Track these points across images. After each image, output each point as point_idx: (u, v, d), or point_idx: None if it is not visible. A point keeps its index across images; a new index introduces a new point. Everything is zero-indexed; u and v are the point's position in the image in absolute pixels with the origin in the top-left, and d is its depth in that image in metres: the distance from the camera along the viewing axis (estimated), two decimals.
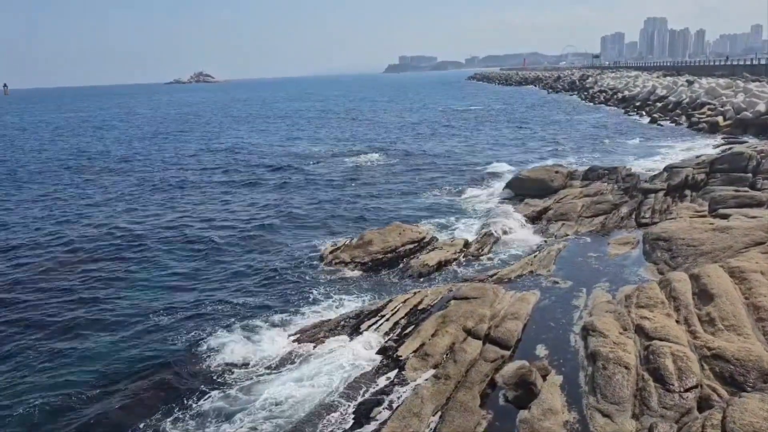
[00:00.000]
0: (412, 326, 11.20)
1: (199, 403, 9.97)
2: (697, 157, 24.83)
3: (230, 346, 11.89)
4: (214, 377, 10.79)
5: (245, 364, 11.17)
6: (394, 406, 8.68)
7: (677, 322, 9.55)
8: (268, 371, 10.83)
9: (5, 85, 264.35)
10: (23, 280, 16.61)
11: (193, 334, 12.64)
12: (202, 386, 10.47)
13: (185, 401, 10.06)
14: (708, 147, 33.63)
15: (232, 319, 13.28)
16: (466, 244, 17.37)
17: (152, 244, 19.51)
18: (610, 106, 68.33)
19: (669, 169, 21.94)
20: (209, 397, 10.15)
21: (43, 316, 14.13)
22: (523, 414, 8.15)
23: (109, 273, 16.96)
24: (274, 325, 12.87)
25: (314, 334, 11.95)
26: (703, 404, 7.71)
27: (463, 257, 16.57)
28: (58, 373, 11.41)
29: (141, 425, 9.49)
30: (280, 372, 10.70)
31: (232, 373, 10.88)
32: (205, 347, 11.98)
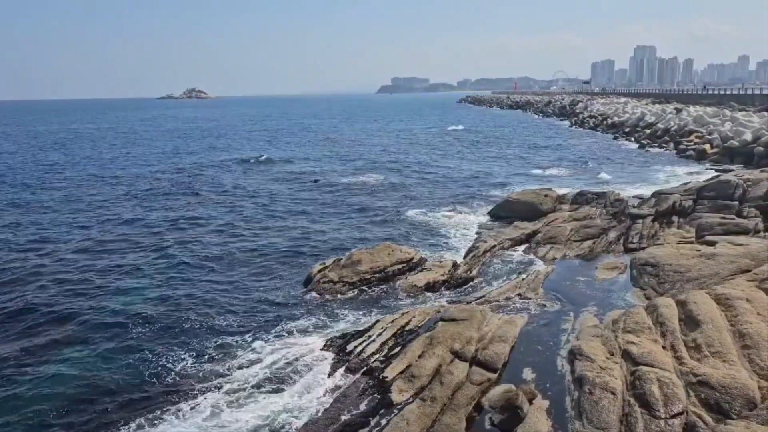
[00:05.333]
0: (399, 347, 11.13)
1: (177, 424, 9.80)
2: (685, 183, 25.09)
3: (213, 366, 11.76)
4: (196, 397, 10.63)
5: (228, 384, 11.02)
6: (380, 427, 8.59)
7: (664, 347, 9.56)
8: (251, 392, 10.68)
9: None
10: (6, 290, 16.44)
11: (175, 353, 12.47)
12: (182, 406, 10.31)
13: (162, 421, 9.90)
14: (695, 174, 34.05)
15: (216, 338, 13.15)
16: (455, 266, 17.37)
17: (137, 264, 19.28)
18: (599, 131, 69.07)
19: (657, 195, 22.15)
20: (189, 416, 9.99)
21: (21, 327, 13.95)
22: None
23: (95, 288, 16.77)
24: (258, 344, 12.74)
25: (300, 354, 11.85)
26: (689, 431, 7.70)
27: (452, 279, 16.55)
28: (33, 387, 11.26)
29: None
30: (263, 393, 10.58)
31: (214, 393, 10.72)
32: (189, 365, 11.84)
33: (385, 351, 11.31)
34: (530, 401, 8.80)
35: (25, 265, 18.93)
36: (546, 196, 24.56)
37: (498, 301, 13.78)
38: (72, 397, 10.85)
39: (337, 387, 10.44)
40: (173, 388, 10.98)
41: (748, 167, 33.63)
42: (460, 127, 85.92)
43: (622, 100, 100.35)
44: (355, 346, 11.66)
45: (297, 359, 11.62)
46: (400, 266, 17.07)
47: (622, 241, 18.94)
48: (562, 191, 27.32)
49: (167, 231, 23.65)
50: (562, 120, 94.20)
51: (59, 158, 51.09)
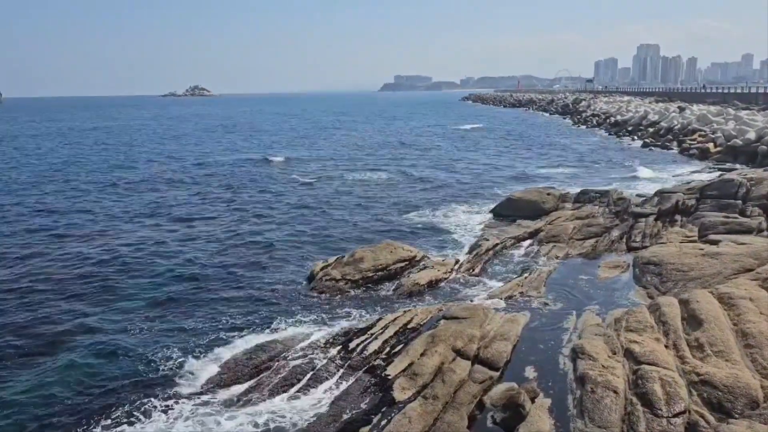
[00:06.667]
0: (402, 345, 11.14)
1: (174, 422, 9.79)
2: (688, 182, 25.05)
3: (213, 363, 11.75)
4: (195, 394, 10.64)
5: (228, 382, 11.02)
6: (382, 426, 8.60)
7: (666, 346, 9.55)
8: (251, 390, 10.67)
9: None
10: (6, 290, 16.49)
11: (173, 348, 12.46)
12: (182, 405, 10.30)
13: (160, 420, 9.90)
14: (698, 173, 33.98)
15: (216, 334, 13.16)
16: (458, 264, 17.37)
17: (139, 260, 19.29)
18: (602, 129, 68.94)
19: (660, 193, 22.11)
20: (186, 414, 9.98)
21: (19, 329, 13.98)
22: None
23: (94, 286, 16.75)
24: (259, 341, 12.70)
25: (301, 352, 11.86)
26: (691, 430, 7.70)
27: (454, 277, 16.55)
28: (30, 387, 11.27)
29: None
30: (264, 391, 10.56)
31: (213, 390, 10.73)
32: (187, 362, 11.83)
33: (387, 349, 11.33)
34: (532, 400, 8.81)
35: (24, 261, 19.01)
36: (548, 194, 24.54)
37: (500, 299, 13.78)
38: (65, 391, 10.89)
39: (339, 385, 10.45)
40: (169, 385, 10.97)
41: (751, 166, 33.56)
42: (464, 125, 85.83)
43: (626, 98, 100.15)
44: (357, 344, 11.67)
45: (298, 357, 11.62)
46: (402, 264, 17.07)
47: (624, 239, 18.92)
48: (564, 190, 27.27)
49: (172, 226, 23.69)
50: (564, 118, 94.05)
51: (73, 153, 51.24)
